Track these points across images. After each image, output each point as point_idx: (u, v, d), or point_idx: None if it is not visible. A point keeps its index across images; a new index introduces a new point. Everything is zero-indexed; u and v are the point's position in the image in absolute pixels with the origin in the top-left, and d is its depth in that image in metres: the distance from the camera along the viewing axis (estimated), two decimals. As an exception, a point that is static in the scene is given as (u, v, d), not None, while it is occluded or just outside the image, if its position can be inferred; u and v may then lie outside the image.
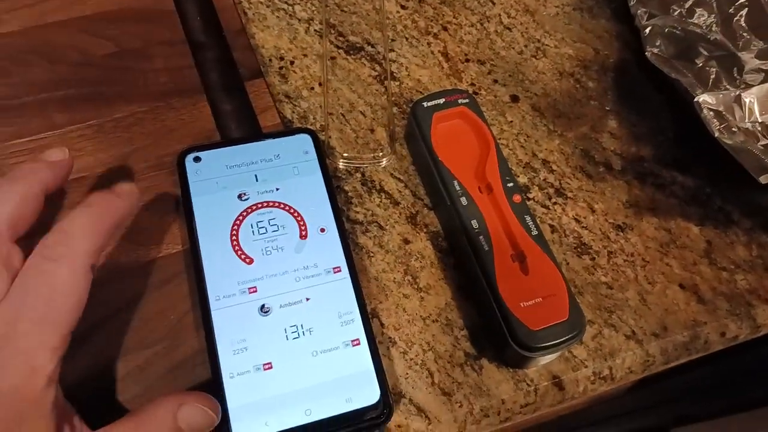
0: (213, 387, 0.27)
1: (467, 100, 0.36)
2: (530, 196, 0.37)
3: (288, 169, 0.32)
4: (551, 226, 0.36)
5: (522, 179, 0.37)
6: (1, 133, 0.33)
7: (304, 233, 0.31)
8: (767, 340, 0.50)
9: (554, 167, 0.38)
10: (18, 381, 0.22)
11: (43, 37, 0.36)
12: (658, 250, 0.36)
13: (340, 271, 0.30)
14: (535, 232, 0.32)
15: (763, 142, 0.35)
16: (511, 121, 0.39)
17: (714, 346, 0.35)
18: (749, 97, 0.36)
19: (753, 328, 0.35)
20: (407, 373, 0.31)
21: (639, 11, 0.41)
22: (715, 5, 0.40)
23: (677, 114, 0.40)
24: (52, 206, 0.31)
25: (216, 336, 0.28)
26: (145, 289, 0.30)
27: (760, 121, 0.36)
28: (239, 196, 0.31)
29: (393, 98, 0.39)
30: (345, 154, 0.36)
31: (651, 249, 0.36)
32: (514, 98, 0.40)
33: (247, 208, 0.31)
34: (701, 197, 0.38)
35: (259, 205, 0.31)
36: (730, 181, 0.38)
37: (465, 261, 0.33)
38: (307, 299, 0.29)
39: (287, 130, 0.34)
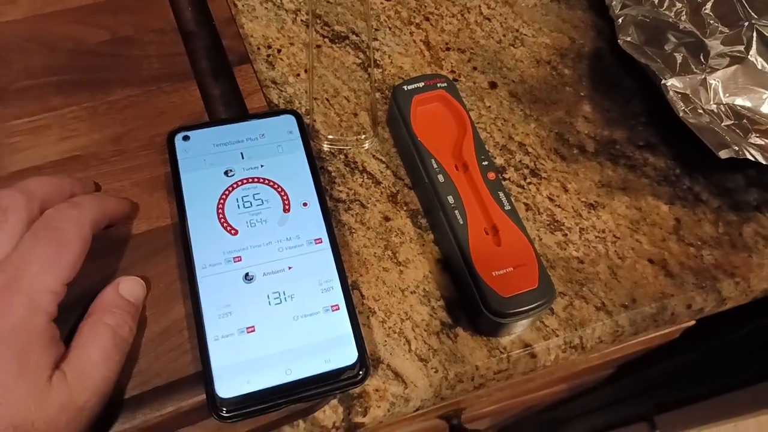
0: (199, 348, 0.28)
1: (446, 84, 0.37)
2: (506, 176, 0.38)
3: (273, 147, 0.34)
4: (526, 204, 0.37)
5: (499, 160, 0.39)
6: (1, 114, 0.35)
7: (287, 207, 0.32)
8: (741, 326, 0.51)
9: (530, 149, 0.39)
10: (23, 316, 0.25)
11: (42, 26, 0.38)
12: (629, 227, 0.37)
13: (321, 242, 0.32)
14: (507, 207, 0.34)
15: (727, 122, 0.36)
16: (489, 106, 0.40)
17: (681, 318, 0.36)
18: (714, 80, 0.38)
19: (718, 301, 0.37)
20: (386, 341, 0.33)
21: (613, 2, 0.42)
22: (684, -5, 0.41)
23: (649, 99, 0.41)
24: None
25: (202, 302, 0.29)
26: (136, 260, 0.32)
27: (724, 102, 0.37)
28: (225, 173, 0.33)
29: (376, 84, 0.40)
30: (329, 137, 0.38)
31: (622, 226, 0.37)
32: (493, 85, 0.41)
33: (233, 183, 0.32)
34: (671, 178, 0.39)
35: (245, 181, 0.33)
36: (699, 163, 0.40)
37: (442, 235, 0.35)
38: (290, 268, 0.31)
39: (272, 111, 0.36)
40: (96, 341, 0.27)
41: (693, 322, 0.48)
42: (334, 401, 0.31)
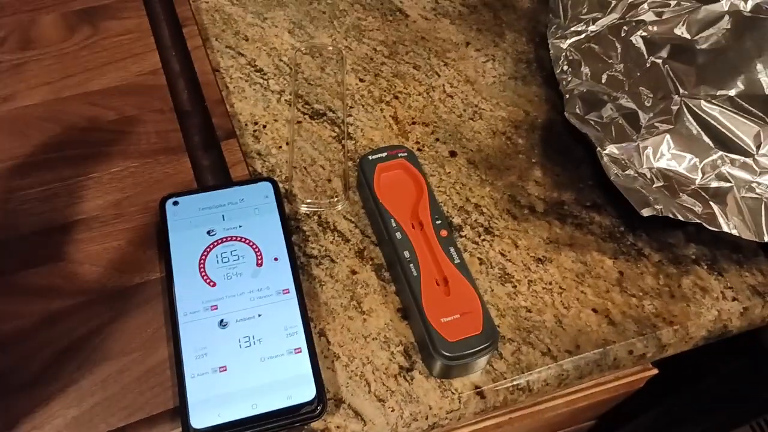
0: (177, 385, 0.32)
1: (406, 154, 0.42)
2: (463, 233, 0.42)
3: (250, 210, 0.39)
4: (479, 259, 0.41)
5: (456, 220, 0.43)
6: (19, 185, 0.40)
7: (260, 262, 0.37)
8: (710, 371, 0.54)
9: (484, 210, 0.44)
10: None
11: (59, 108, 0.44)
12: (574, 279, 0.41)
13: (288, 292, 0.36)
14: (457, 261, 0.38)
15: (657, 184, 0.41)
16: (449, 172, 0.45)
17: (623, 363, 0.40)
18: (646, 147, 0.42)
19: (659, 348, 0.40)
20: (348, 383, 0.36)
21: (564, 78, 0.48)
22: (623, 73, 0.46)
23: (596, 164, 0.46)
24: (60, 242, 0.38)
25: (182, 344, 0.34)
26: (127, 308, 0.36)
27: (655, 166, 0.42)
28: (208, 232, 0.38)
29: (349, 154, 0.45)
30: (306, 200, 0.43)
31: (568, 279, 0.41)
32: (453, 153, 0.46)
33: (214, 241, 0.37)
34: (616, 234, 0.43)
35: (224, 239, 0.37)
36: (642, 222, 0.43)
37: (400, 286, 0.39)
38: (259, 315, 0.35)
39: (252, 179, 0.41)
40: None
41: (655, 371, 0.51)
42: (299, 437, 0.35)
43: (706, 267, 0.42)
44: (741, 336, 0.44)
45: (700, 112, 0.42)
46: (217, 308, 0.35)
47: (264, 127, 0.46)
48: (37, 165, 0.41)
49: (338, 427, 0.35)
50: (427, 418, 0.36)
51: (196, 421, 0.31)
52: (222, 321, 0.35)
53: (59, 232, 0.39)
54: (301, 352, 0.34)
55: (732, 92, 0.43)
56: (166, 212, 0.38)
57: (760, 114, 0.42)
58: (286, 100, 0.48)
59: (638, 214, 0.39)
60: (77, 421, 0.32)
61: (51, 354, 0.34)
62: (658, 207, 0.37)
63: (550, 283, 0.41)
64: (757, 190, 0.41)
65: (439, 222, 0.39)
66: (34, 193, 0.40)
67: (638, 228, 0.44)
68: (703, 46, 0.45)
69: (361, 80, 0.50)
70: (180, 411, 0.32)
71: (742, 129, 0.42)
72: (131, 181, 0.41)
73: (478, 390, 0.37)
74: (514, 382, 0.37)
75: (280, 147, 0.45)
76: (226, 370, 0.33)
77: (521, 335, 0.39)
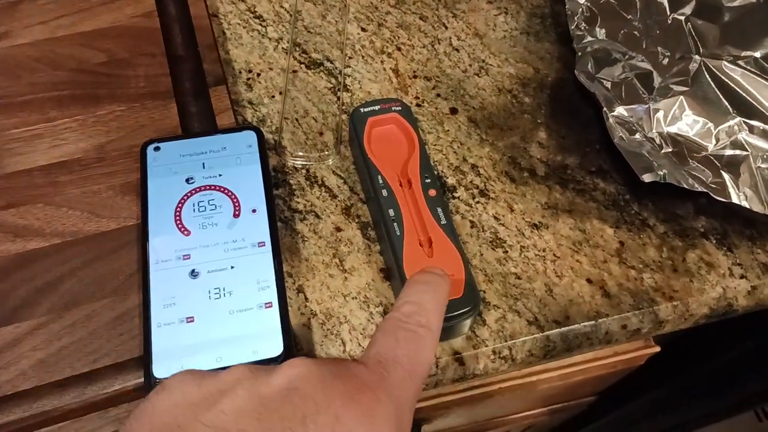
0: (143, 333, 0.32)
1: (400, 108, 0.40)
2: (456, 195, 0.40)
3: (232, 159, 0.37)
4: (471, 222, 0.40)
5: (450, 180, 0.41)
6: (4, 123, 0.40)
7: (237, 213, 0.36)
8: (714, 353, 0.51)
9: (481, 171, 0.41)
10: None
11: (50, 48, 0.43)
12: (570, 247, 0.39)
13: (264, 245, 0.35)
14: (444, 222, 0.36)
15: (666, 149, 0.38)
16: (448, 130, 0.43)
17: (616, 337, 0.38)
18: (658, 109, 0.39)
19: (655, 323, 0.38)
20: (323, 341, 0.35)
21: (578, 34, 0.45)
22: (642, 30, 0.43)
23: (605, 128, 0.43)
24: (54, 202, 0.38)
25: (151, 293, 0.33)
26: (101, 253, 0.35)
27: (665, 131, 0.39)
28: (187, 180, 0.36)
29: (344, 107, 0.44)
30: (295, 153, 0.41)
31: (563, 246, 0.39)
32: (453, 110, 0.44)
33: (192, 189, 0.36)
34: (620, 203, 0.41)
35: (203, 188, 0.36)
36: (650, 190, 0.41)
37: (384, 246, 0.37)
38: (232, 267, 0.34)
39: (235, 127, 0.39)
40: None
41: (657, 349, 0.48)
42: (269, 393, 0.34)
43: (714, 241, 0.40)
44: (749, 318, 0.42)
45: (719, 74, 0.39)
46: (189, 258, 0.34)
47: (258, 75, 0.44)
48: (24, 105, 0.41)
49: (309, 385, 0.34)
50: (401, 382, 0.35)
51: (158, 371, 0.31)
52: (193, 271, 0.34)
53: (40, 174, 0.38)
54: (271, 307, 0.33)
55: (758, 53, 0.39)
56: (147, 157, 0.37)
57: (788, 78, 0.38)
58: (283, 48, 0.46)
59: (644, 184, 0.37)
60: (44, 364, 0.32)
61: (23, 294, 0.34)
62: (660, 173, 0.35)
63: (544, 250, 0.39)
64: (777, 161, 0.37)
65: (428, 181, 0.37)
66: (18, 134, 0.39)
67: (645, 197, 0.41)
68: (732, 4, 0.41)
69: (363, 30, 0.47)
70: (144, 360, 0.31)
71: (765, 94, 0.38)
72: (116, 125, 0.40)
73: (457, 356, 0.35)
74: (496, 350, 0.36)
75: (273, 96, 0.44)
76: (193, 320, 0.32)
77: (508, 302, 0.37)
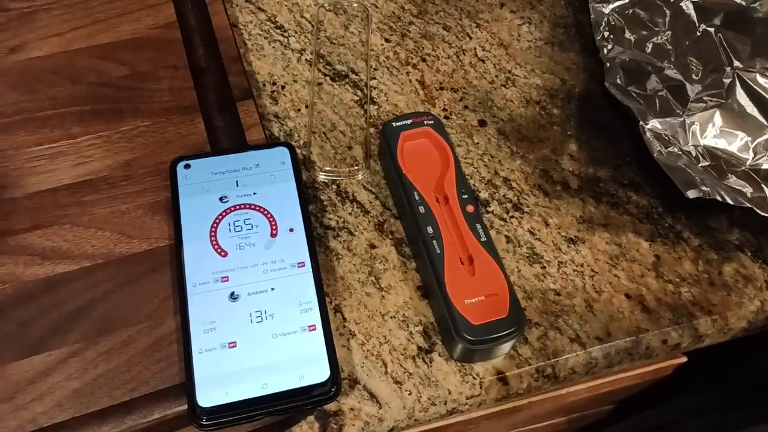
0: (184, 360, 0.31)
1: (432, 122, 0.39)
2: (490, 209, 0.40)
3: (265, 176, 0.36)
4: (507, 236, 0.39)
5: (483, 194, 0.40)
6: (25, 140, 0.38)
7: (274, 232, 0.35)
8: (741, 364, 0.51)
9: (514, 185, 0.41)
10: None
11: (69, 61, 0.42)
12: (608, 262, 0.39)
13: (303, 265, 0.34)
14: (484, 239, 0.35)
15: (704, 163, 0.38)
16: (478, 143, 0.42)
17: (656, 353, 0.37)
18: (693, 123, 0.39)
19: (695, 338, 0.37)
20: (363, 363, 0.34)
21: (604, 44, 0.44)
22: (671, 41, 0.43)
23: (636, 139, 0.43)
24: (63, 206, 0.36)
25: (190, 317, 0.32)
26: (134, 276, 0.34)
27: (702, 144, 0.38)
28: (221, 199, 0.35)
29: (371, 120, 0.43)
30: (324, 168, 0.40)
31: (600, 261, 0.39)
32: (482, 122, 0.43)
33: (227, 209, 0.35)
34: (653, 216, 0.41)
35: (237, 207, 0.35)
36: (683, 203, 0.40)
37: (422, 263, 0.36)
38: (272, 289, 0.33)
39: (268, 143, 0.38)
40: None
41: (684, 359, 0.48)
42: (311, 417, 0.33)
43: (750, 254, 0.40)
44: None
45: (755, 86, 0.39)
46: (228, 280, 0.33)
47: (282, 87, 0.44)
48: (45, 120, 0.39)
49: (352, 409, 0.33)
50: (446, 403, 0.34)
51: (202, 399, 0.30)
52: (233, 294, 0.33)
53: (66, 193, 0.37)
54: (315, 329, 0.32)
55: (791, 66, 0.39)
56: (177, 176, 0.36)
57: (821, 90, 0.38)
58: (306, 59, 0.45)
59: (679, 195, 0.36)
60: (79, 394, 0.31)
61: (54, 320, 0.33)
62: (705, 189, 0.35)
63: (582, 265, 0.38)
64: (813, 174, 0.37)
65: (465, 196, 0.37)
66: (41, 151, 0.38)
67: (678, 210, 0.41)
68: (762, 15, 0.41)
69: (386, 40, 0.47)
70: (186, 388, 0.30)
71: (800, 106, 0.38)
72: (141, 141, 0.39)
73: (500, 376, 0.35)
74: (540, 369, 0.35)
75: (299, 110, 0.43)
76: (235, 345, 0.31)
77: (548, 319, 0.36)
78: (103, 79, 0.41)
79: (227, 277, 0.33)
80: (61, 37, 0.43)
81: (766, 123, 0.38)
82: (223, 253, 0.34)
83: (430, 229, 0.36)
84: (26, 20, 0.43)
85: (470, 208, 0.36)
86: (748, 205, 0.35)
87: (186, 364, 0.31)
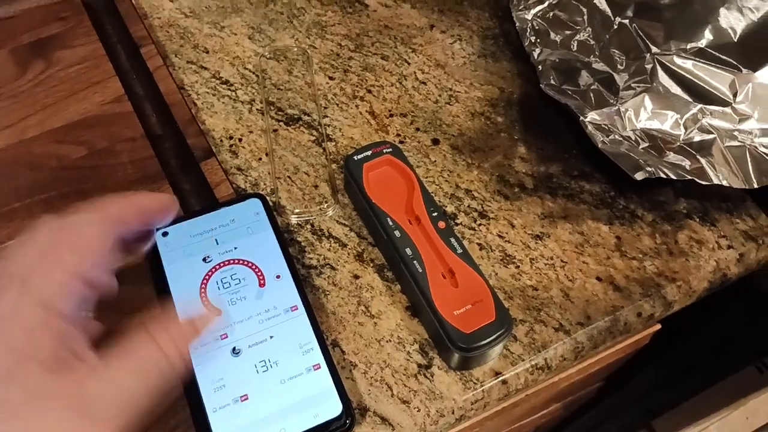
0: (200, 421, 0.32)
1: (391, 149, 0.42)
2: (458, 221, 0.42)
3: (242, 230, 0.38)
4: (479, 244, 0.41)
5: (449, 208, 0.43)
6: (-5, 237, 0.38)
7: (262, 282, 0.36)
8: (708, 320, 0.55)
9: (476, 194, 0.43)
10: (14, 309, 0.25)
11: (26, 150, 0.42)
12: (574, 251, 0.41)
13: (296, 308, 0.35)
14: (459, 251, 0.37)
15: (643, 145, 0.41)
16: (435, 161, 0.45)
17: (634, 326, 0.40)
18: (627, 109, 0.42)
19: (665, 306, 0.40)
20: (369, 390, 0.36)
21: (533, 50, 0.47)
22: (593, 37, 0.46)
23: (577, 132, 0.46)
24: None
25: (197, 379, 0.33)
26: (133, 350, 0.35)
27: (638, 128, 0.42)
28: (204, 259, 0.36)
29: (331, 156, 0.45)
30: (295, 210, 0.42)
31: (567, 251, 0.41)
32: (435, 141, 0.46)
33: (212, 268, 0.36)
34: (607, 200, 0.44)
35: (222, 264, 0.36)
36: (631, 183, 0.44)
37: (406, 284, 0.38)
38: (271, 337, 0.34)
39: (238, 197, 0.40)
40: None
41: (659, 326, 0.52)
42: (330, 451, 0.34)
43: (698, 219, 0.43)
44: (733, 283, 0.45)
45: (673, 68, 0.43)
46: (227, 336, 0.34)
47: (240, 140, 0.45)
48: (12, 214, 0.39)
49: (367, 435, 0.35)
50: (453, 412, 0.36)
51: (226, 455, 0.31)
52: (234, 348, 0.34)
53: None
54: (320, 368, 0.33)
55: (702, 43, 0.43)
56: (158, 245, 0.37)
57: (732, 62, 0.42)
58: (257, 109, 0.47)
59: (626, 178, 0.39)
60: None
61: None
62: (649, 169, 0.38)
63: (551, 258, 0.41)
64: (740, 138, 0.41)
65: (435, 214, 0.39)
66: (14, 244, 0.38)
67: (628, 191, 0.44)
68: (667, 1, 0.45)
69: (330, 78, 0.49)
70: (208, 448, 0.31)
71: (716, 79, 0.42)
72: (114, 216, 0.39)
73: (499, 376, 0.37)
74: (533, 362, 0.38)
75: (260, 159, 0.44)
76: (247, 398, 0.32)
77: (532, 314, 0.39)
78: (63, 163, 0.42)
79: (225, 333, 0.34)
80: (13, 128, 0.43)
81: (690, 99, 0.42)
82: (216, 311, 0.35)
83: (408, 251, 0.37)
84: (-27, 116, 0.44)
85: (442, 224, 0.38)
86: (689, 177, 0.38)
87: (203, 425, 0.31)
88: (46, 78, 0.45)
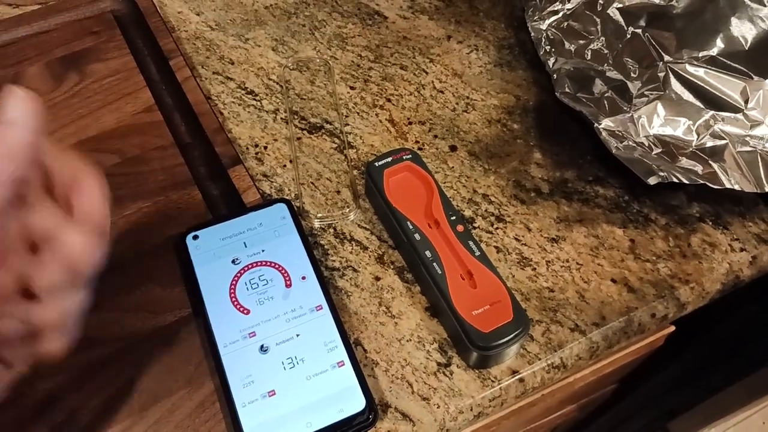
0: (230, 415, 0.33)
1: (410, 156, 0.43)
2: (476, 225, 0.44)
3: (270, 233, 0.39)
4: (496, 247, 0.43)
5: (467, 212, 0.44)
6: (35, 241, 0.40)
7: (288, 283, 0.38)
8: (721, 321, 0.55)
9: (493, 199, 0.45)
10: None
11: (60, 159, 0.44)
12: (589, 253, 0.42)
13: (321, 308, 0.37)
14: (478, 253, 0.39)
15: (656, 150, 0.42)
16: (453, 167, 0.46)
17: (648, 327, 0.41)
18: (640, 116, 0.43)
19: (678, 307, 0.41)
20: (390, 387, 0.37)
21: (549, 59, 0.49)
22: (606, 46, 0.48)
23: (592, 138, 0.47)
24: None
25: (227, 375, 0.34)
26: (167, 348, 0.37)
27: (651, 134, 0.43)
28: (233, 261, 0.38)
29: (352, 163, 0.46)
30: (318, 215, 0.43)
31: (583, 254, 0.42)
32: (453, 148, 0.47)
33: (240, 270, 0.38)
34: (621, 204, 0.45)
35: (250, 266, 0.38)
36: (644, 188, 0.45)
37: (426, 285, 0.40)
38: (297, 335, 0.36)
39: (265, 202, 0.41)
40: None
41: (673, 328, 0.52)
42: (353, 446, 0.36)
43: (711, 223, 0.44)
44: (748, 285, 0.46)
45: (686, 75, 0.44)
46: (255, 335, 0.36)
47: (265, 148, 0.47)
48: (50, 219, 0.41)
49: (389, 431, 0.36)
50: (471, 409, 0.37)
51: (255, 448, 0.32)
52: (262, 346, 0.35)
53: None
54: (344, 365, 0.35)
55: (713, 52, 0.44)
56: (188, 247, 0.39)
57: (743, 69, 0.43)
58: (282, 118, 0.48)
59: (640, 182, 0.41)
60: (138, 465, 0.33)
61: (99, 404, 0.35)
62: (662, 174, 0.39)
63: (567, 261, 0.42)
64: (751, 143, 0.42)
65: (453, 218, 0.40)
66: (53, 248, 0.40)
67: (641, 195, 0.45)
68: (679, 10, 0.46)
69: (351, 88, 0.50)
70: (238, 440, 0.33)
71: (728, 86, 0.43)
72: (146, 221, 0.41)
73: (516, 374, 0.38)
74: (549, 361, 0.39)
75: (285, 166, 0.46)
76: (275, 394, 0.34)
77: (548, 315, 0.40)
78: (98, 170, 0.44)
79: (254, 332, 0.36)
80: (51, 138, 0.45)
81: (702, 106, 0.43)
82: (245, 311, 0.36)
83: (428, 254, 0.39)
84: (11, 127, 0.46)
85: (460, 228, 0.40)
86: (701, 181, 0.39)
87: (233, 419, 0.33)
88: (80, 90, 0.47)
